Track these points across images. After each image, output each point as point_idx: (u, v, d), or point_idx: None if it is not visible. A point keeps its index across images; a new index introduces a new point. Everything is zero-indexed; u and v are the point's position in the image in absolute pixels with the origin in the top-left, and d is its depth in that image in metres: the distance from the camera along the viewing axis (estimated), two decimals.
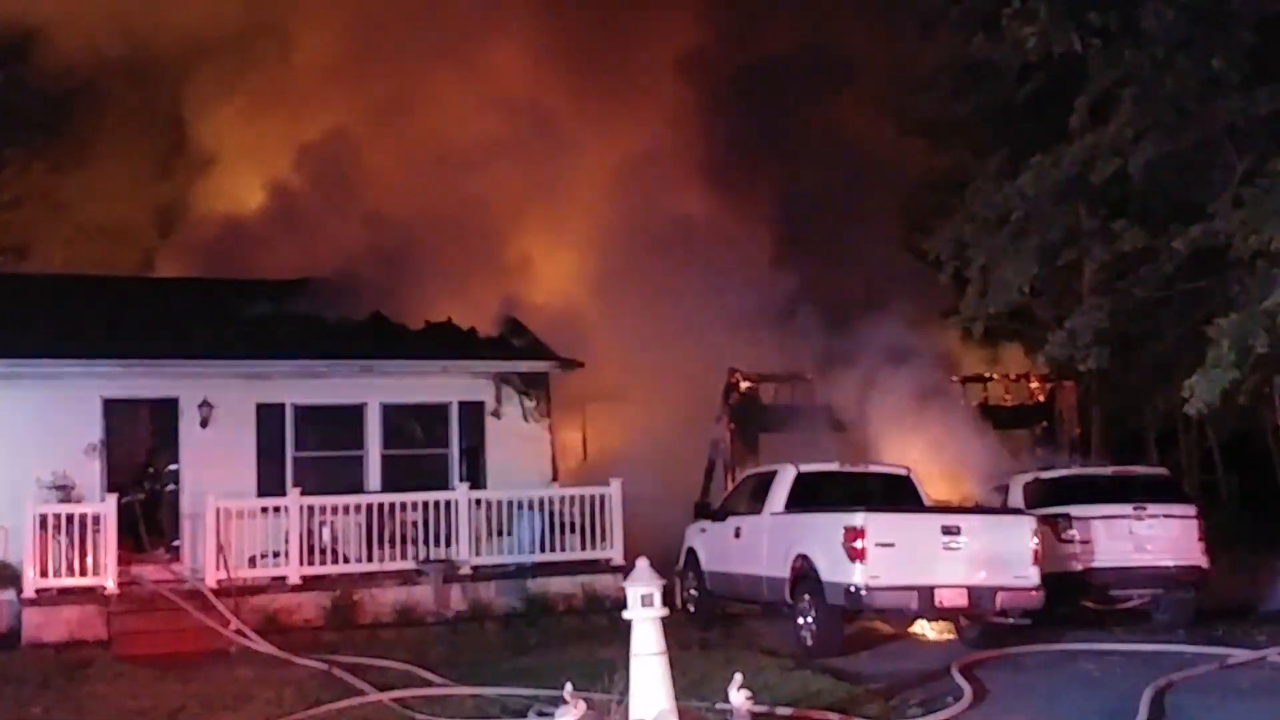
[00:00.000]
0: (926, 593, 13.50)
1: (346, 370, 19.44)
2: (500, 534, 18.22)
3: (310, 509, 17.43)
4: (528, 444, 19.99)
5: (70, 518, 16.33)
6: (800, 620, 14.19)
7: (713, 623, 16.59)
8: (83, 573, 16.20)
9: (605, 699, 9.40)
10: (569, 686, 9.07)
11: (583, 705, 8.91)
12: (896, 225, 24.77)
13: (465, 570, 17.83)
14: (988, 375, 22.26)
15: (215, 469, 18.18)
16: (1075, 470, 17.79)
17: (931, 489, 16.70)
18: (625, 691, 8.79)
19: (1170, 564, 15.68)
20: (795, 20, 26.52)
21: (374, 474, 19.34)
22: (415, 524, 17.85)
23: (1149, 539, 15.79)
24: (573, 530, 18.38)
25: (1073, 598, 15.53)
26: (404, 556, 17.66)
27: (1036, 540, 13.95)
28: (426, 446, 19.83)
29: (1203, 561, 15.81)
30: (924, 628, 15.58)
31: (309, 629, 16.37)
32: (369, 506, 17.78)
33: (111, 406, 18.41)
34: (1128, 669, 12.46)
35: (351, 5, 26.14)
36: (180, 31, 26.57)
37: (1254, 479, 29.51)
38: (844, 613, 13.94)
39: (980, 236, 17.72)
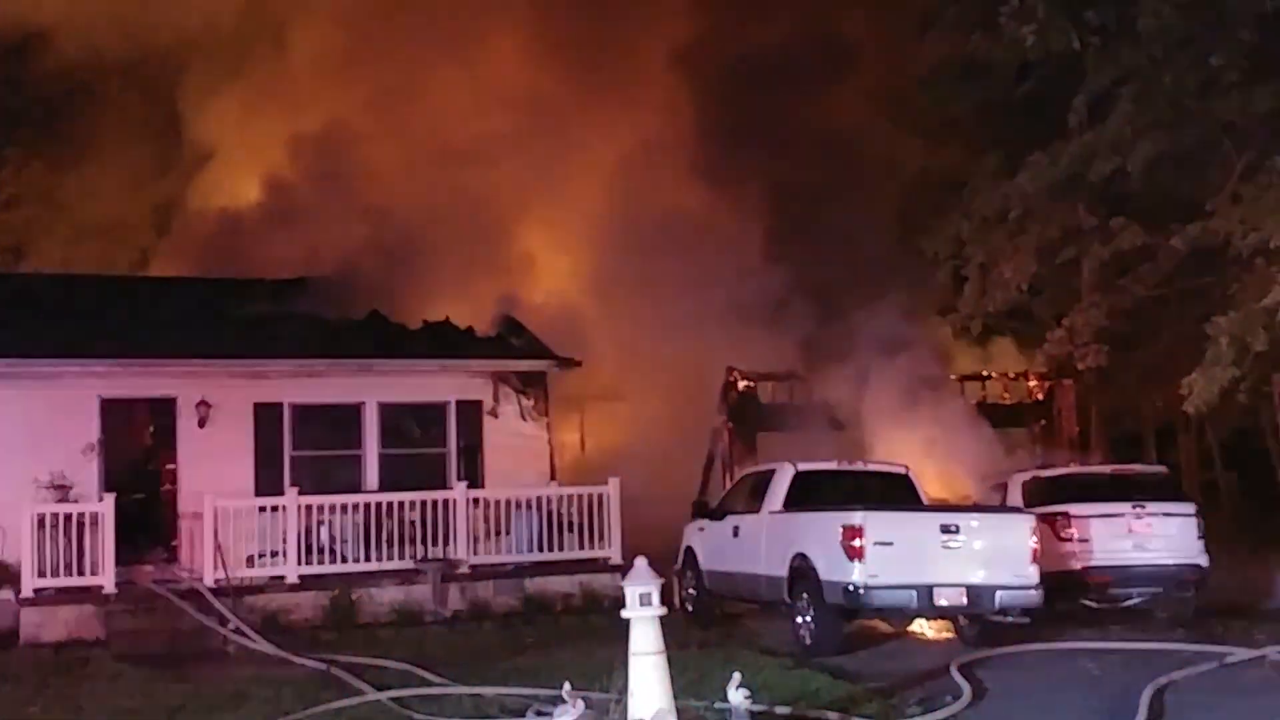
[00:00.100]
0: (925, 591, 13.47)
1: (344, 369, 19.41)
2: (498, 533, 18.22)
3: (308, 508, 17.42)
4: (526, 443, 19.97)
5: (68, 517, 16.31)
6: (799, 619, 14.15)
7: (711, 622, 16.54)
8: (80, 572, 16.17)
9: (604, 698, 9.37)
10: (567, 686, 9.04)
11: (581, 704, 8.87)
12: (894, 223, 24.74)
13: (463, 569, 17.82)
14: (987, 374, 22.26)
15: (213, 468, 18.14)
16: (1074, 469, 17.79)
17: (930, 487, 16.68)
18: (624, 691, 8.75)
19: (1169, 562, 15.64)
20: (792, 17, 26.46)
21: (372, 473, 19.32)
22: (413, 523, 17.83)
23: (1148, 537, 15.74)
24: (571, 529, 18.38)
25: (1072, 596, 15.47)
26: (402, 556, 17.64)
27: (1035, 539, 13.90)
28: (424, 446, 19.80)
29: (1202, 560, 15.77)
30: (923, 626, 15.52)
31: (307, 628, 16.36)
32: (367, 506, 17.76)
33: (109, 406, 18.37)
34: (1127, 667, 12.41)
35: (345, 1, 26.07)
36: (178, 28, 26.59)
37: (1253, 477, 29.51)
38: (843, 611, 13.87)
39: (979, 235, 17.72)
